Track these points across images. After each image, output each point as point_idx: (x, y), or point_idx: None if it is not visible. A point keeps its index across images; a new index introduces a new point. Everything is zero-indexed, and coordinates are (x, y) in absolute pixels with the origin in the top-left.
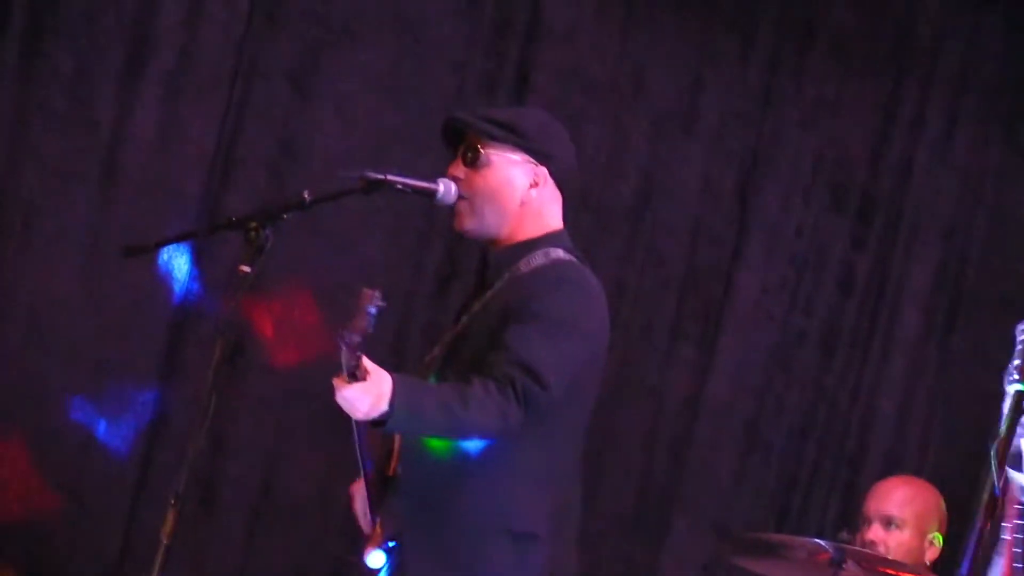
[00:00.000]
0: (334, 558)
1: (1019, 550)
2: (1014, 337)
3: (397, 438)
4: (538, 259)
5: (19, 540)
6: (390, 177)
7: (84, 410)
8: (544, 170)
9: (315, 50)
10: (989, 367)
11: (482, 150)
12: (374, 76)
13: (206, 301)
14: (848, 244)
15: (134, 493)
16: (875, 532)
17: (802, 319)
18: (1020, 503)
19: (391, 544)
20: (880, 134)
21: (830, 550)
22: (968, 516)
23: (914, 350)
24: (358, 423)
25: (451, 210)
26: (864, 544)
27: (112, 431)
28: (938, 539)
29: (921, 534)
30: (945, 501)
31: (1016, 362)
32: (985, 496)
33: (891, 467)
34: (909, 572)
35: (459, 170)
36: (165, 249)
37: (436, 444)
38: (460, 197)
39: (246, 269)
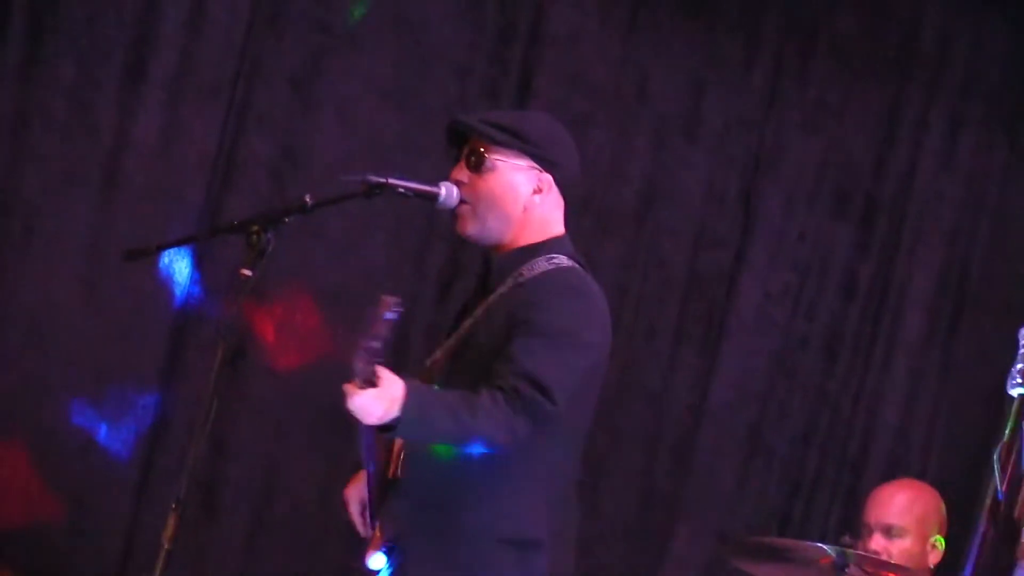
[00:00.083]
0: (335, 564)
1: None
2: (1017, 341)
3: (398, 441)
4: (541, 265)
5: (20, 544)
6: (392, 181)
7: (85, 414)
8: (548, 177)
9: (317, 54)
10: (992, 371)
11: (487, 155)
12: (376, 80)
13: (207, 305)
14: (851, 249)
15: (135, 497)
16: (877, 542)
17: (805, 324)
18: None
19: (391, 546)
20: (884, 139)
21: (833, 554)
22: (971, 520)
23: (917, 354)
24: (365, 427)
25: (453, 214)
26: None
27: (113, 435)
28: (940, 542)
29: (923, 539)
30: (948, 505)
31: (1019, 366)
32: (988, 500)
33: (894, 472)
34: None
35: (463, 174)
36: (166, 253)
37: (439, 449)
38: (462, 201)
39: (247, 273)
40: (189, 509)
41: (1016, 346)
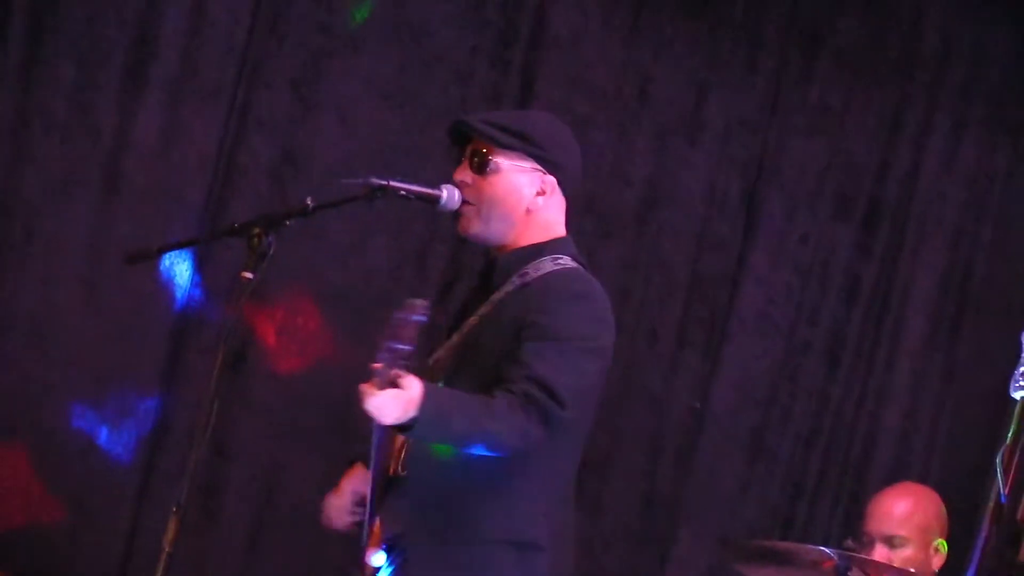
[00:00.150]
0: (336, 567)
1: None
2: (1020, 344)
3: (399, 438)
4: (547, 265)
5: (21, 548)
6: (393, 184)
7: (86, 417)
8: (552, 179)
9: (317, 56)
10: (995, 374)
11: (491, 157)
12: (377, 82)
13: (208, 308)
14: (853, 252)
15: (136, 500)
16: (879, 553)
17: (807, 327)
18: None
19: (391, 544)
20: (886, 142)
21: (835, 558)
22: (974, 523)
23: (919, 358)
24: (379, 427)
25: (454, 215)
26: None
27: (114, 438)
28: (943, 545)
29: (925, 546)
30: (950, 509)
31: (1022, 368)
32: (991, 503)
33: (896, 475)
34: None
35: (466, 175)
36: (167, 256)
37: (444, 449)
38: (465, 202)
39: (248, 276)
40: (190, 512)
41: (1019, 349)
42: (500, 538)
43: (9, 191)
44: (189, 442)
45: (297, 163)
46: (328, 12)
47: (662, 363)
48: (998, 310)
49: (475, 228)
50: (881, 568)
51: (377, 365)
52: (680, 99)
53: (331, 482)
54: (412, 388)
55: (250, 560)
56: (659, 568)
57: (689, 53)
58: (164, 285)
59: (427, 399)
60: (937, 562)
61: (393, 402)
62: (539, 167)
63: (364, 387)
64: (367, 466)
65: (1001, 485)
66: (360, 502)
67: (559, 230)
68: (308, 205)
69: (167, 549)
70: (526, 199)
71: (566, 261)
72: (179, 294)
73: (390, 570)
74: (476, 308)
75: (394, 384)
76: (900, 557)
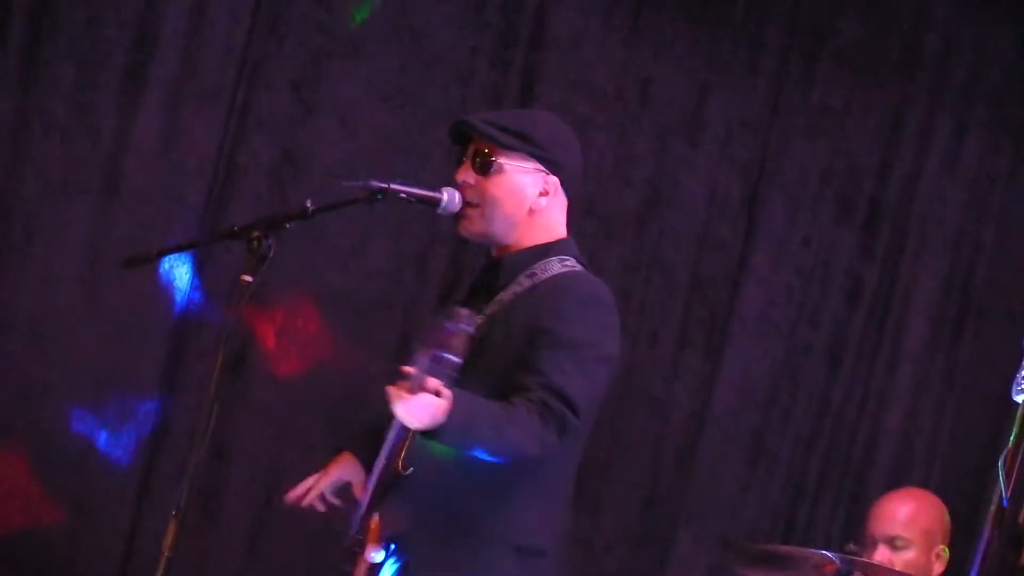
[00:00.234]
0: (337, 570)
1: None
2: (1022, 347)
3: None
4: (554, 266)
5: (20, 551)
6: (393, 186)
7: (85, 420)
8: (555, 179)
9: (318, 59)
10: (997, 377)
11: (494, 157)
12: (377, 84)
13: (208, 310)
14: (855, 254)
15: (136, 503)
16: (882, 554)
17: (808, 329)
18: None
19: (392, 542)
20: (887, 143)
21: (837, 562)
22: (975, 526)
23: (921, 361)
24: (400, 428)
25: (455, 216)
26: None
27: (113, 441)
28: (945, 552)
29: (928, 550)
30: (952, 512)
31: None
32: (992, 507)
33: (898, 478)
34: None
35: (468, 175)
36: (166, 258)
37: (445, 449)
38: (467, 204)
39: (248, 278)
40: (190, 515)
41: (1021, 352)
42: (504, 542)
43: (9, 192)
44: (189, 444)
45: (297, 164)
46: (328, 13)
47: (663, 364)
48: (1000, 312)
49: (477, 228)
50: (882, 572)
51: (411, 369)
52: (681, 100)
53: None
54: (444, 396)
55: (250, 562)
56: (659, 570)
57: (690, 54)
58: (164, 288)
59: (456, 407)
60: (938, 568)
61: (424, 408)
62: (541, 167)
63: (395, 390)
64: (357, 456)
65: (1003, 488)
66: (341, 489)
67: (561, 231)
68: (308, 208)
69: (167, 552)
70: (529, 199)
71: (572, 263)
72: (179, 297)
73: (394, 569)
74: (480, 307)
75: (428, 391)
76: (902, 560)
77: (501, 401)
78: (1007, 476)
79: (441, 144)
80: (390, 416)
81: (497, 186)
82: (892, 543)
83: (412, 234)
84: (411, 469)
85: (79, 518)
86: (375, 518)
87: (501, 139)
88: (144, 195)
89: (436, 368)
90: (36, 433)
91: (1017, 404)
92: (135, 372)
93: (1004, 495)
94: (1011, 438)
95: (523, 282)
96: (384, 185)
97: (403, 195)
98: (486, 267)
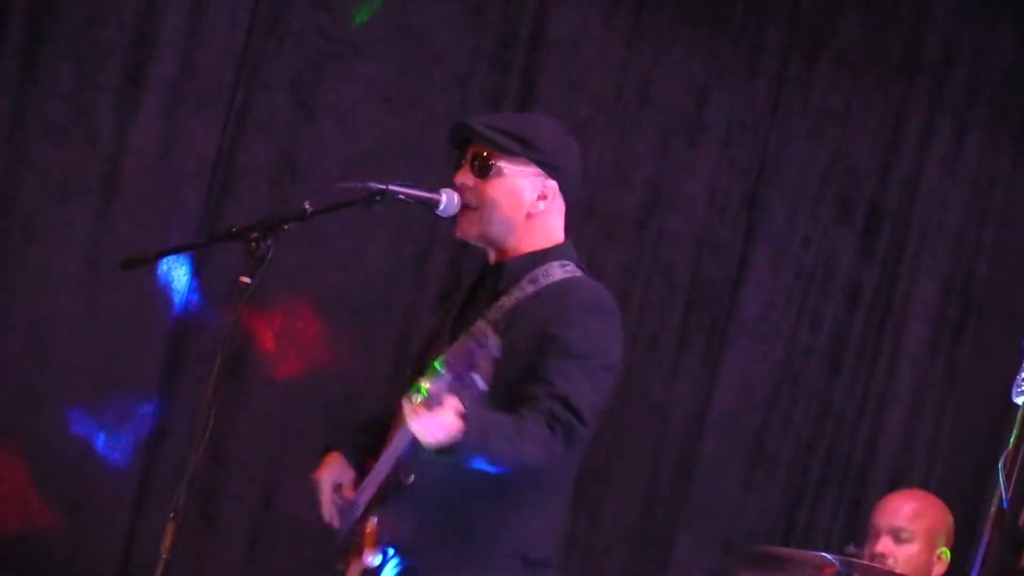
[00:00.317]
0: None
1: None
2: (1022, 349)
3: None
4: (556, 271)
5: (19, 553)
6: (392, 187)
7: (83, 423)
8: (554, 184)
9: (317, 61)
10: (997, 380)
11: (493, 161)
12: (376, 86)
13: (206, 313)
14: (855, 256)
15: (134, 506)
16: (884, 544)
17: (808, 331)
18: None
19: (393, 548)
20: (888, 145)
21: (837, 564)
22: (975, 528)
23: (921, 363)
24: (412, 440)
25: (453, 218)
26: (873, 556)
27: (111, 444)
28: (946, 554)
29: (930, 548)
30: (952, 514)
31: None
32: (993, 509)
33: (898, 481)
34: None
35: (468, 178)
36: (165, 260)
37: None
38: (465, 207)
39: (247, 280)
40: (188, 518)
41: (1021, 354)
42: (512, 552)
43: (7, 194)
44: (188, 446)
45: (296, 166)
46: (327, 15)
47: (663, 367)
48: (1000, 314)
49: (475, 231)
50: (882, 575)
51: (430, 385)
52: (681, 102)
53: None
54: (460, 415)
55: (249, 565)
56: (659, 572)
57: (690, 55)
58: (162, 290)
59: (470, 424)
60: (939, 570)
61: (441, 426)
62: (541, 171)
63: (411, 406)
64: (345, 455)
65: (1003, 490)
66: (336, 490)
67: (559, 235)
68: (307, 209)
69: (165, 554)
70: (527, 203)
71: (572, 267)
72: (177, 299)
73: (394, 573)
74: (481, 312)
75: (446, 408)
76: (904, 553)
77: (510, 413)
78: (1007, 478)
79: (441, 146)
80: (392, 424)
81: (496, 189)
82: (896, 534)
83: (411, 236)
84: (412, 477)
85: (77, 520)
86: (372, 522)
87: (500, 142)
88: (143, 197)
89: (459, 389)
90: (34, 435)
91: (1017, 406)
92: (133, 374)
93: (1004, 497)
94: (1011, 440)
95: (525, 287)
96: (382, 186)
97: (402, 196)
98: (485, 272)
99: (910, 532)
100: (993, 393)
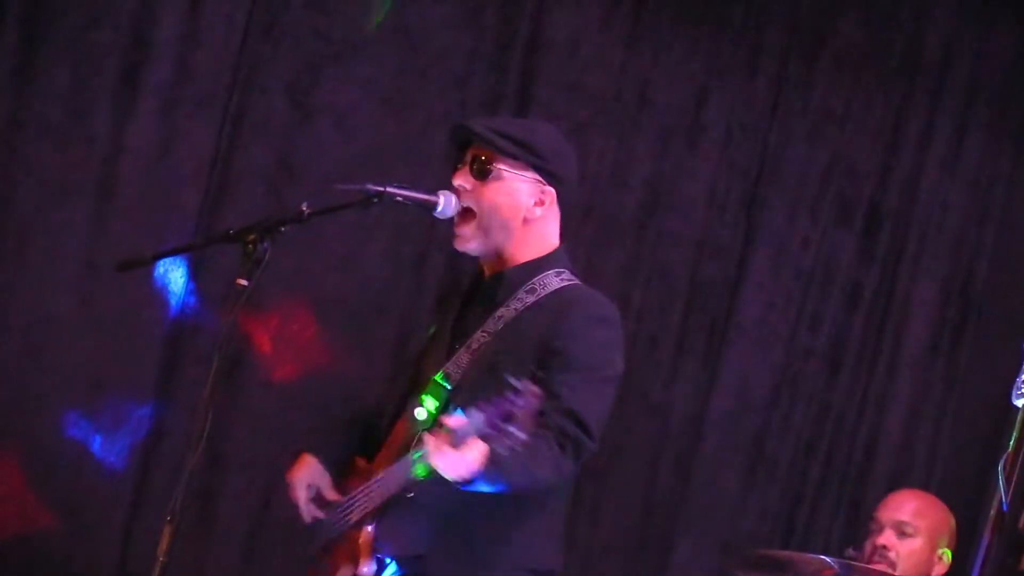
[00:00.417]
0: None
1: None
2: (1022, 351)
3: None
4: (552, 280)
5: (15, 556)
6: (389, 189)
7: (80, 426)
8: (552, 191)
9: (314, 63)
10: (997, 382)
11: (493, 164)
12: (374, 88)
13: (203, 315)
14: (855, 258)
15: (130, 509)
16: (887, 538)
17: (808, 333)
18: None
19: (389, 559)
20: (888, 146)
21: (836, 567)
22: (975, 530)
23: (921, 365)
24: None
25: (452, 222)
26: (875, 549)
27: (108, 446)
28: (947, 555)
29: (932, 546)
30: (952, 516)
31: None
32: (992, 511)
33: (897, 483)
34: None
35: (466, 179)
36: (161, 262)
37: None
38: (463, 208)
39: (244, 282)
40: (185, 521)
41: (1021, 356)
42: (520, 565)
43: (4, 196)
44: (184, 449)
45: (293, 169)
46: (324, 16)
47: (662, 368)
48: (1000, 317)
49: (474, 244)
50: None
51: (457, 421)
52: (680, 103)
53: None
54: (477, 449)
55: (246, 568)
56: (658, 574)
57: (689, 56)
58: (159, 292)
59: (491, 461)
60: (939, 570)
61: (465, 464)
62: (540, 178)
63: (436, 441)
64: (317, 456)
65: (1003, 493)
66: (311, 491)
67: (554, 241)
68: (303, 211)
69: (162, 557)
70: (524, 209)
71: (568, 275)
72: (174, 301)
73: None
74: (479, 322)
75: (470, 446)
76: (907, 547)
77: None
78: (1007, 481)
79: (439, 148)
80: (387, 428)
81: (494, 193)
82: (900, 528)
83: (409, 238)
84: (411, 493)
85: (74, 523)
86: (367, 531)
87: (502, 146)
88: (140, 199)
89: (495, 436)
90: (31, 438)
91: (1017, 408)
92: (130, 377)
93: (1004, 500)
94: (1011, 442)
95: (524, 297)
96: (380, 189)
97: (399, 199)
98: (480, 282)
99: (913, 527)
100: (993, 395)
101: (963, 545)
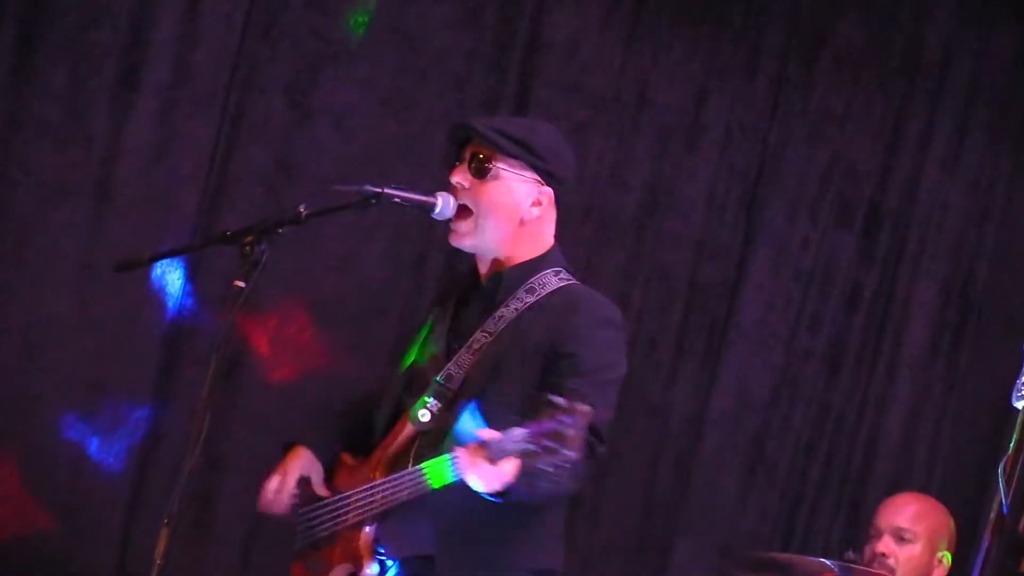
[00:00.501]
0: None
1: None
2: (1022, 353)
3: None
4: (551, 280)
5: (12, 558)
6: (387, 190)
7: (77, 428)
8: (549, 191)
9: (312, 64)
10: (997, 383)
11: (492, 163)
12: (373, 89)
13: (201, 317)
14: (855, 259)
15: (128, 511)
16: (886, 544)
17: (807, 334)
18: None
19: (388, 559)
20: (888, 148)
21: (835, 569)
22: (975, 533)
23: (921, 366)
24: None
25: (448, 222)
26: (874, 556)
27: (105, 449)
28: (947, 558)
29: (932, 550)
30: (951, 518)
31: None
32: (992, 514)
33: (897, 485)
34: None
35: (465, 177)
36: (158, 264)
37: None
38: (461, 207)
39: (241, 284)
40: (183, 523)
41: (1021, 358)
42: (522, 565)
43: (1, 198)
44: (182, 451)
45: (291, 170)
46: (322, 17)
47: (661, 370)
48: (1000, 318)
49: (469, 241)
50: None
51: (494, 435)
52: (680, 104)
53: None
54: (511, 465)
55: (243, 571)
56: None
57: (688, 57)
58: (156, 294)
59: (522, 475)
60: (939, 573)
61: (499, 478)
62: (538, 178)
63: (470, 456)
64: (311, 449)
65: (1003, 495)
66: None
67: (550, 241)
68: (301, 213)
69: (159, 560)
70: (521, 209)
71: (565, 274)
72: (171, 303)
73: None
74: (478, 323)
75: (504, 462)
76: (905, 553)
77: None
78: (1007, 483)
79: (438, 149)
80: (384, 428)
81: (492, 192)
82: (899, 535)
83: (408, 239)
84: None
85: (71, 525)
86: (366, 532)
87: (502, 144)
88: (138, 200)
89: (539, 453)
90: (29, 439)
91: (1017, 410)
92: (128, 378)
93: (1004, 502)
94: (1011, 444)
95: (523, 297)
96: (378, 190)
97: (397, 200)
98: (476, 283)
99: (912, 533)
100: (993, 396)
101: (963, 547)
